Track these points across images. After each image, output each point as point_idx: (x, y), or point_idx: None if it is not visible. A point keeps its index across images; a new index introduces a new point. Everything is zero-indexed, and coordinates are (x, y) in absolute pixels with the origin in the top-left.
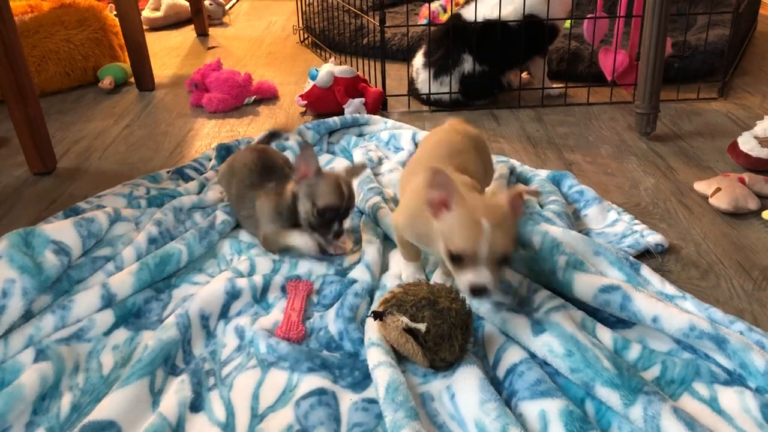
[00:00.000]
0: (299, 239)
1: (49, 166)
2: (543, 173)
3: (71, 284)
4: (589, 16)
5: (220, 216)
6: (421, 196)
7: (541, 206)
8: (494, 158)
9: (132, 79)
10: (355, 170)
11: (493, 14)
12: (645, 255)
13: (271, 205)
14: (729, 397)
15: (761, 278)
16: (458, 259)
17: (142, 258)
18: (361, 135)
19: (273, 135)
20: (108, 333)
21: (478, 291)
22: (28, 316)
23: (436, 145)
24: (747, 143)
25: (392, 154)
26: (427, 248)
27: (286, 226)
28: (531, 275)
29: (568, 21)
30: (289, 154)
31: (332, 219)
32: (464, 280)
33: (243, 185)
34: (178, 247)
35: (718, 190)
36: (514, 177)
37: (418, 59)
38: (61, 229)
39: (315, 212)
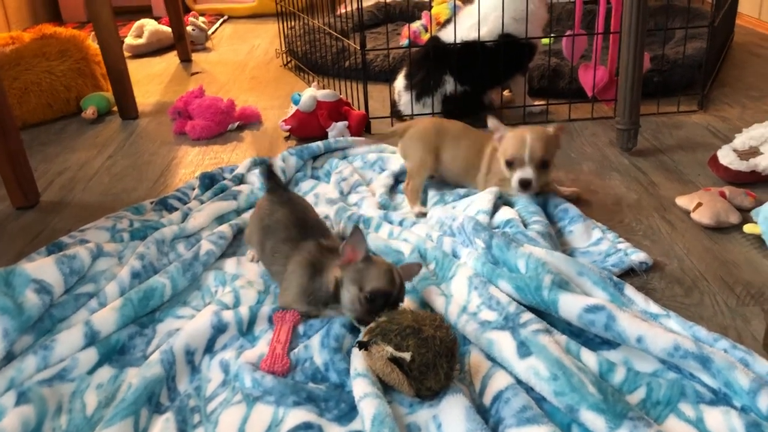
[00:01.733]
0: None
1: (32, 200)
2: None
3: (53, 323)
4: (567, 33)
5: (205, 246)
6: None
7: (526, 226)
8: None
9: (115, 108)
10: (411, 269)
11: (470, 35)
12: (629, 273)
13: (302, 280)
14: (715, 417)
15: (744, 293)
16: (510, 164)
17: (126, 293)
18: (345, 158)
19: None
20: (92, 372)
21: (524, 184)
22: (9, 357)
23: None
24: (726, 156)
25: (377, 175)
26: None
27: (311, 307)
28: (517, 295)
29: (546, 38)
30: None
31: (381, 307)
32: (515, 177)
33: (278, 240)
34: (162, 280)
35: (700, 204)
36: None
37: (400, 81)
38: (42, 267)
39: (362, 298)
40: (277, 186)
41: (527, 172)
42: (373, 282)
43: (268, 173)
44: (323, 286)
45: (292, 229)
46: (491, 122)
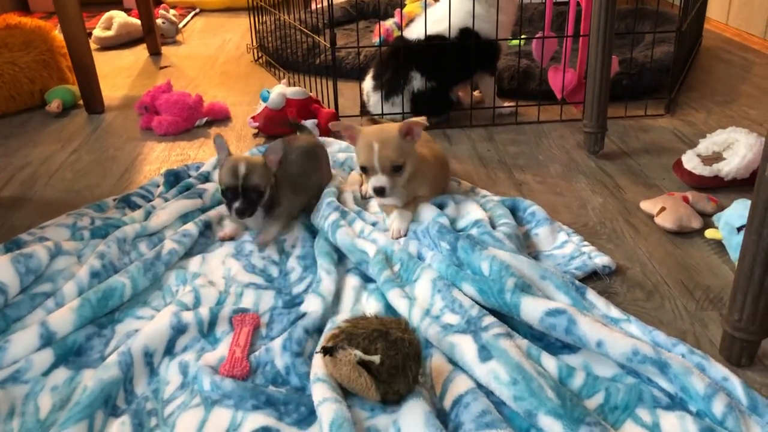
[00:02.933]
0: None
1: None
2: (496, 198)
3: (8, 323)
4: (537, 35)
5: (168, 245)
6: None
7: (494, 227)
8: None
9: (81, 102)
10: (269, 156)
11: (431, 31)
12: (592, 276)
13: None
14: (670, 422)
15: (703, 298)
16: (364, 170)
17: (84, 293)
18: None
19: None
20: (47, 373)
21: (377, 190)
22: None
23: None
24: (690, 161)
25: (346, 175)
26: None
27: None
28: (480, 297)
29: (516, 39)
30: None
31: (233, 198)
32: (369, 184)
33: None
34: (122, 280)
35: (663, 209)
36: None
37: (368, 82)
38: None
39: (221, 194)
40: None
41: (380, 179)
42: (222, 179)
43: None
44: None
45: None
46: (337, 126)
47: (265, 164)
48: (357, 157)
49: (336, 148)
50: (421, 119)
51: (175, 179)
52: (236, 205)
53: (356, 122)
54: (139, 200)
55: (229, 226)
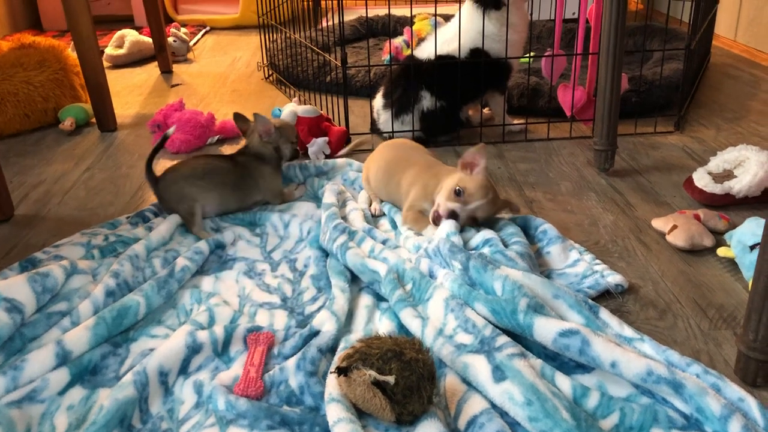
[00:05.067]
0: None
1: (6, 213)
2: (507, 216)
3: (24, 342)
4: (546, 53)
5: (180, 263)
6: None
7: (506, 246)
8: None
9: (93, 120)
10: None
11: (443, 50)
12: (605, 295)
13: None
14: None
15: (717, 317)
16: (459, 194)
17: (99, 312)
18: (325, 175)
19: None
20: (62, 393)
21: (450, 214)
22: None
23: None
24: (701, 179)
25: (356, 194)
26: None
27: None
28: (493, 318)
29: (525, 57)
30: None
31: (294, 147)
32: (446, 203)
33: (231, 187)
34: (136, 299)
35: (675, 227)
36: None
37: (378, 100)
38: (13, 286)
39: (292, 147)
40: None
41: (457, 208)
42: (291, 136)
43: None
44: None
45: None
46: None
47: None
48: (464, 184)
49: (347, 168)
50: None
51: None
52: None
53: (366, 140)
54: (152, 216)
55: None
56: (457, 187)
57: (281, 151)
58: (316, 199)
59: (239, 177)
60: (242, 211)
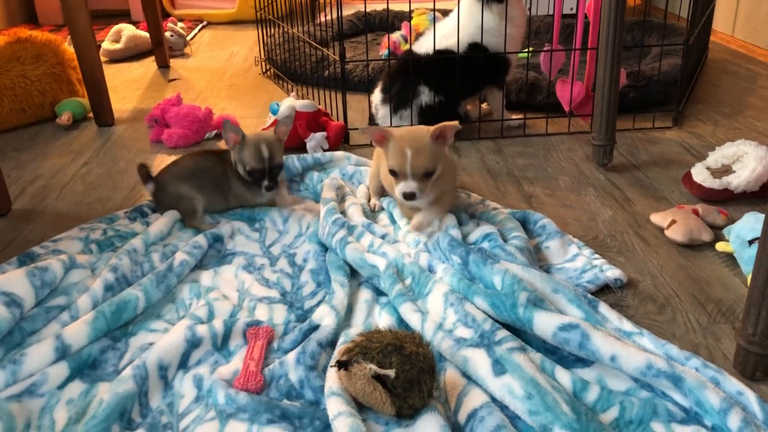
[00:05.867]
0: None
1: (4, 208)
2: (506, 211)
3: (23, 336)
4: (545, 48)
5: (179, 257)
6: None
7: (505, 241)
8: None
9: (91, 115)
10: (280, 128)
11: (442, 45)
12: (604, 289)
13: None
14: None
15: (716, 311)
16: (394, 174)
17: (98, 306)
18: (324, 171)
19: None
20: (62, 386)
21: (407, 196)
22: None
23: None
24: (700, 174)
25: (355, 188)
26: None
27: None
28: (493, 312)
29: (523, 52)
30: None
31: (260, 177)
32: (398, 189)
33: (215, 188)
34: (135, 293)
35: (674, 222)
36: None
37: (377, 95)
38: (12, 280)
39: (246, 174)
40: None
41: (410, 185)
42: (248, 162)
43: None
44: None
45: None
46: (368, 130)
47: (279, 139)
48: (387, 159)
49: (345, 162)
50: (454, 123)
51: None
52: (265, 183)
53: (365, 135)
54: (150, 212)
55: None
56: (389, 169)
57: (237, 167)
58: (315, 194)
59: (222, 178)
60: (229, 210)
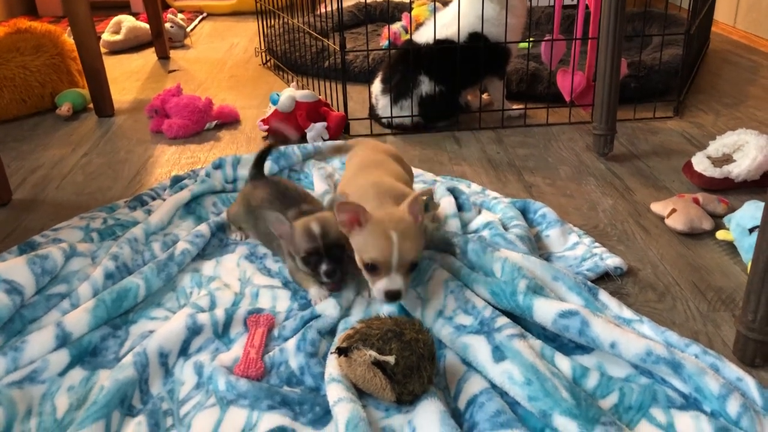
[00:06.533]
0: (314, 291)
1: (4, 198)
2: (506, 200)
3: (24, 324)
4: (546, 38)
5: (180, 246)
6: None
7: (506, 229)
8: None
9: (91, 105)
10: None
11: (441, 34)
12: (604, 278)
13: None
14: (685, 422)
15: (715, 299)
16: (373, 268)
17: (99, 294)
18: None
19: (263, 155)
20: (63, 373)
21: (392, 296)
22: None
23: (364, 160)
24: (700, 163)
25: None
26: None
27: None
28: (493, 300)
29: (524, 42)
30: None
31: (317, 262)
32: (379, 287)
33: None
34: (136, 281)
35: (674, 211)
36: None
37: (377, 86)
38: (13, 268)
39: (300, 264)
40: (258, 173)
41: (395, 281)
42: (299, 247)
43: (259, 158)
44: None
45: (275, 203)
46: (343, 208)
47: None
48: (362, 250)
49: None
50: (428, 190)
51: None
52: (324, 267)
53: (365, 125)
54: (150, 200)
55: (316, 292)
56: (365, 263)
57: (292, 261)
58: (310, 180)
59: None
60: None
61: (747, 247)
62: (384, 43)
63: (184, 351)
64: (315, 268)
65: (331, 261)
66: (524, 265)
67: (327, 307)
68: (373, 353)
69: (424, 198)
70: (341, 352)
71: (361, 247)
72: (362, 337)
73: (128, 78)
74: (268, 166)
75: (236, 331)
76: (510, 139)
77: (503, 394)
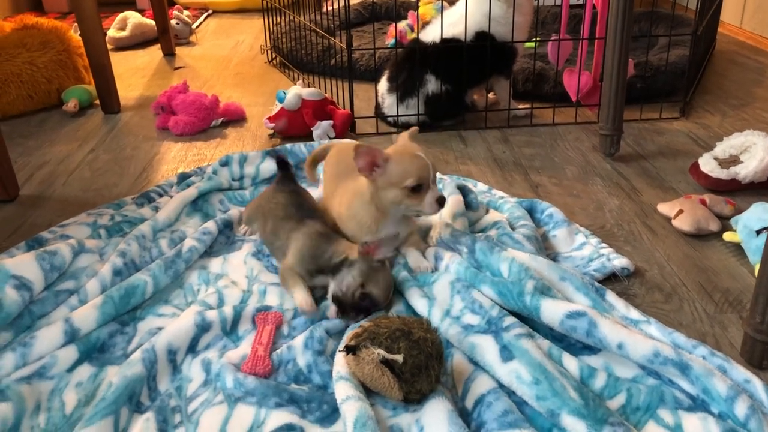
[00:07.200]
0: (300, 297)
1: (12, 193)
2: (513, 200)
3: (33, 320)
4: (552, 38)
5: (188, 243)
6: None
7: (513, 229)
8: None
9: (97, 102)
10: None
11: (448, 33)
12: (611, 278)
13: (308, 244)
14: (693, 423)
15: (723, 301)
16: (417, 189)
17: (107, 290)
18: None
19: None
20: (71, 369)
21: (442, 201)
22: None
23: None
24: (707, 164)
25: None
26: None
27: (310, 270)
28: (500, 300)
29: (531, 41)
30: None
31: (367, 308)
32: (429, 200)
33: (278, 219)
34: (143, 278)
35: (681, 212)
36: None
37: (383, 84)
38: (22, 264)
39: (356, 294)
40: (285, 177)
41: (437, 191)
42: (375, 287)
43: (281, 164)
44: (327, 254)
45: (291, 208)
46: (361, 149)
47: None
48: (401, 178)
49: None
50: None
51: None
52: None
53: (371, 123)
54: (157, 197)
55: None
56: (409, 188)
57: (340, 270)
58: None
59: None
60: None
61: (754, 248)
62: (390, 41)
63: (192, 348)
64: (357, 309)
65: (367, 314)
66: (532, 266)
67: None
68: (382, 352)
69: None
70: (349, 350)
71: (397, 177)
72: (370, 335)
73: (134, 74)
74: (272, 163)
75: (244, 329)
76: (516, 139)
77: (511, 393)
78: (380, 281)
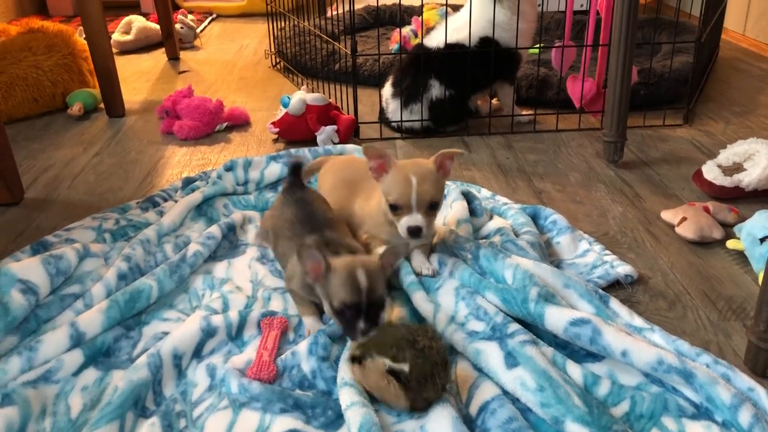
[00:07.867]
0: (309, 323)
1: (17, 196)
2: (516, 206)
3: (39, 324)
4: (556, 44)
5: (192, 248)
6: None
7: (517, 236)
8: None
9: (102, 105)
10: (390, 254)
11: (452, 39)
12: (614, 285)
13: (301, 273)
14: (696, 431)
15: (726, 308)
16: (396, 208)
17: (112, 295)
18: None
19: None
20: (77, 373)
21: (413, 231)
22: None
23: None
24: (711, 172)
25: None
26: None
27: (313, 297)
28: (504, 307)
29: (534, 48)
30: None
31: (354, 316)
32: (402, 223)
33: (285, 239)
34: (148, 282)
35: (684, 219)
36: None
37: (387, 89)
38: (28, 268)
39: (334, 312)
40: (293, 185)
41: (415, 218)
42: (337, 295)
43: (293, 169)
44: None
45: (297, 225)
46: (370, 150)
47: (382, 266)
48: (387, 192)
49: (356, 155)
50: (456, 150)
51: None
52: (361, 326)
53: (375, 128)
54: (161, 201)
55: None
56: (390, 204)
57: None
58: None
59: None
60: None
61: (758, 256)
62: (394, 47)
63: (197, 353)
64: (350, 323)
65: (369, 321)
66: (536, 273)
67: None
68: (387, 361)
69: (452, 156)
70: (355, 359)
71: (386, 189)
72: (375, 344)
73: (138, 78)
74: (277, 167)
75: (249, 334)
76: (519, 145)
77: (515, 400)
78: (337, 284)
